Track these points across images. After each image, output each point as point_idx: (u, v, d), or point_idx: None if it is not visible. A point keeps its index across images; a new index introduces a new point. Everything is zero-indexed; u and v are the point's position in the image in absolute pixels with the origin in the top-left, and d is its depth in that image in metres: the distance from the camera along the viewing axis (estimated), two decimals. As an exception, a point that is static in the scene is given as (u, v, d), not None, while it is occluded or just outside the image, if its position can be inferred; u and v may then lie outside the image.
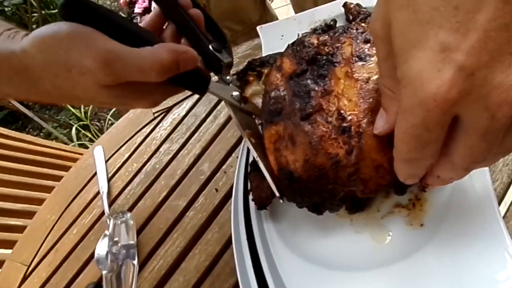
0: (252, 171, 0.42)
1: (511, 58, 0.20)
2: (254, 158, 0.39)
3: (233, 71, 0.64)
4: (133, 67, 0.30)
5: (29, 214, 0.82)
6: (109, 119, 1.82)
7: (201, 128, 0.60)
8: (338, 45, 0.38)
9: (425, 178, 0.29)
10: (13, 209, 0.90)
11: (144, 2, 2.45)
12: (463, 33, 0.20)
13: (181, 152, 0.59)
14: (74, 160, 1.09)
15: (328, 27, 0.52)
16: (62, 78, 0.30)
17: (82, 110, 1.84)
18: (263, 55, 0.58)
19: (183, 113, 0.64)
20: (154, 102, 0.35)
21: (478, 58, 0.20)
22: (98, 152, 0.68)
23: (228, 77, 0.40)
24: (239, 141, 0.55)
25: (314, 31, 0.52)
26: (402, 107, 0.23)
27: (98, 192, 0.62)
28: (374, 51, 0.36)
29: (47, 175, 1.04)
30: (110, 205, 0.59)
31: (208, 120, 0.61)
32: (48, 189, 0.90)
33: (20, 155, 1.07)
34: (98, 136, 1.77)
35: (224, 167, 0.54)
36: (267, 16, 0.94)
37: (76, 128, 1.75)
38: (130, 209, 0.57)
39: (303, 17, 0.59)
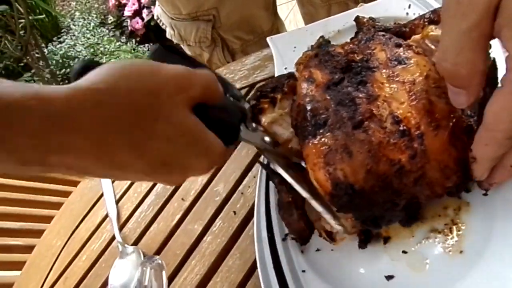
0: (281, 209, 0.40)
1: None
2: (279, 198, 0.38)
3: (243, 83, 0.62)
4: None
5: (37, 233, 0.78)
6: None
7: (213, 145, 0.58)
8: (369, 51, 0.38)
9: (492, 175, 0.30)
10: (18, 229, 0.86)
11: (134, 4, 2.41)
12: None
13: (193, 172, 0.57)
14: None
15: (326, 42, 0.52)
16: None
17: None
18: (276, 67, 0.56)
19: (192, 129, 0.62)
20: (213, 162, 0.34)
21: None
22: (103, 171, 0.65)
23: (253, 125, 0.38)
24: (254, 159, 0.53)
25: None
26: None
27: (107, 215, 0.60)
28: (409, 54, 0.36)
29: (52, 191, 1.00)
30: (120, 229, 0.57)
31: (220, 137, 0.58)
32: (55, 206, 0.87)
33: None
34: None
35: (240, 188, 0.52)
36: (278, 23, 0.92)
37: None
38: (142, 233, 0.55)
39: (316, 28, 0.57)
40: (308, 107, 0.37)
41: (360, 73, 0.36)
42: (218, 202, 0.52)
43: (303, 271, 0.40)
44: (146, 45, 2.34)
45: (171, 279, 0.49)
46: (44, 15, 2.52)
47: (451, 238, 0.36)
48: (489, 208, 0.36)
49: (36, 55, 2.26)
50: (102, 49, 2.40)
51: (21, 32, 2.14)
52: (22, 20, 2.12)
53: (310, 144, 0.36)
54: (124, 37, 2.46)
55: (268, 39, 0.59)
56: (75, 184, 0.72)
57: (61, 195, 0.86)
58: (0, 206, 0.82)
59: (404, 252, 0.37)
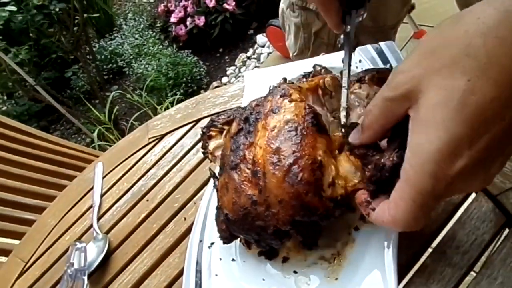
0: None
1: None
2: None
3: (221, 108, 0.71)
4: None
5: (40, 209, 0.92)
6: (132, 123, 1.94)
7: (184, 159, 0.68)
8: (264, 102, 0.45)
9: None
10: (26, 203, 1.01)
11: (180, 12, 2.57)
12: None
13: (164, 179, 0.67)
14: (88, 161, 1.19)
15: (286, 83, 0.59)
16: None
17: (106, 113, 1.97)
18: (243, 101, 0.64)
19: (173, 142, 0.72)
20: None
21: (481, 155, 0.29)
22: (98, 167, 0.77)
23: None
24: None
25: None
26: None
27: (92, 205, 0.71)
28: (283, 103, 0.42)
29: (62, 174, 1.15)
30: (99, 218, 0.67)
31: (191, 152, 0.68)
32: (61, 188, 1.00)
33: (41, 154, 1.19)
34: (120, 139, 1.89)
35: (195, 198, 0.61)
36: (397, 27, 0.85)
37: (100, 130, 1.88)
38: (115, 225, 0.65)
39: (290, 67, 0.65)
40: (222, 154, 0.46)
41: (252, 123, 0.44)
42: (175, 208, 0.61)
43: (216, 275, 0.48)
44: (186, 51, 2.49)
45: (125, 266, 0.59)
46: (99, 14, 2.74)
47: (332, 266, 0.43)
48: (367, 248, 0.43)
49: (87, 50, 2.47)
50: (146, 50, 2.57)
51: (76, 29, 2.36)
52: (78, 17, 2.34)
53: (217, 181, 0.45)
54: (167, 41, 2.63)
55: (244, 73, 0.68)
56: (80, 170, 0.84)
57: (68, 178, 0.99)
58: (16, 182, 0.97)
59: (295, 272, 0.45)
